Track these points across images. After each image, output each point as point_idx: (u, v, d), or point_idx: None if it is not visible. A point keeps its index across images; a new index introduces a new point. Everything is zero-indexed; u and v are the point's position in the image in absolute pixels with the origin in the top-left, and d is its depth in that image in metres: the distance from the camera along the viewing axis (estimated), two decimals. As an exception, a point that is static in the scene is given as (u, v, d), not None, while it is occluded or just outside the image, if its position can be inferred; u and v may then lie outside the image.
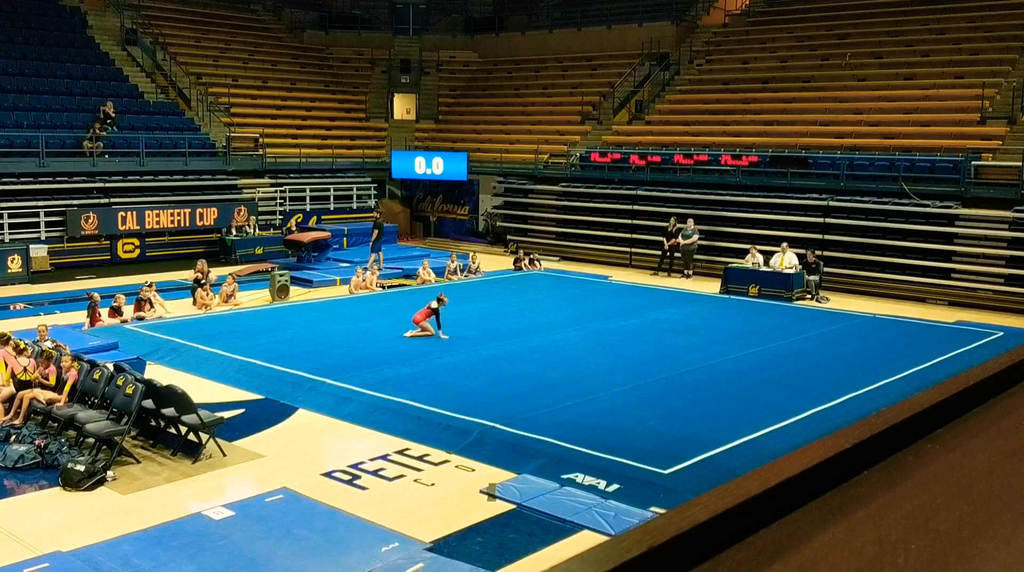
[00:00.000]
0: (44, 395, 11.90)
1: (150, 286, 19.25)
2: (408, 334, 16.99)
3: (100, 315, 17.80)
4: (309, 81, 35.70)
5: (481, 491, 9.96)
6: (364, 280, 22.68)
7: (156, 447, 11.36)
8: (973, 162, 22.04)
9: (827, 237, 23.55)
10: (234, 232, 26.92)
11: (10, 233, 23.56)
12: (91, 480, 9.90)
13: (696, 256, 25.34)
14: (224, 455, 10.92)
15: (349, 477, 10.37)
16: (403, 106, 37.62)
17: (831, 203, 23.69)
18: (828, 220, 23.68)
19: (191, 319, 18.75)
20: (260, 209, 28.47)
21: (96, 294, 18.04)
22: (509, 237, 30.76)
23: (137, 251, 25.76)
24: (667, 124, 29.98)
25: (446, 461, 10.89)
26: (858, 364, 15.44)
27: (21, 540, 8.61)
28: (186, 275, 21.83)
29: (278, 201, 29.75)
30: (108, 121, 26.55)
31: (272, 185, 29.91)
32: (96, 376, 11.87)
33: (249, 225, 27.41)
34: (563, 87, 34.51)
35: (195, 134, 28.81)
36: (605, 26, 35.32)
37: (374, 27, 39.03)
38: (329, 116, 34.85)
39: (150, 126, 27.98)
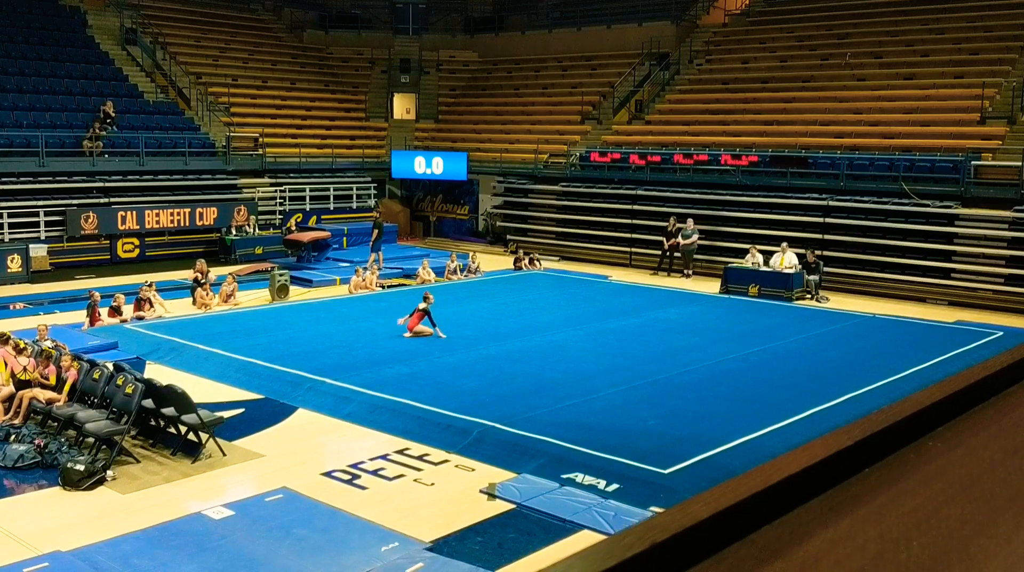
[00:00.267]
0: (44, 395, 11.90)
1: (150, 286, 19.24)
2: (407, 334, 16.99)
3: (100, 315, 17.80)
4: (309, 81, 35.71)
5: (481, 491, 9.96)
6: (364, 280, 22.67)
7: (156, 447, 11.36)
8: (973, 162, 22.04)
9: (827, 237, 23.55)
10: (234, 232, 26.91)
11: (10, 233, 23.55)
12: (91, 480, 9.90)
13: (696, 256, 25.34)
14: (224, 455, 10.92)
15: (349, 477, 10.37)
16: (403, 106, 37.63)
17: (831, 203, 23.70)
18: (828, 220, 23.68)
19: (191, 319, 18.74)
20: (260, 209, 28.47)
21: (97, 293, 18.04)
22: (509, 237, 30.75)
23: (137, 251, 25.76)
24: (667, 124, 29.98)
25: (446, 461, 10.89)
26: (858, 364, 15.44)
27: (21, 540, 8.60)
28: (186, 275, 21.83)
29: (278, 201, 29.75)
30: (108, 121, 26.55)
31: (272, 185, 29.91)
32: (96, 376, 11.87)
33: (249, 225, 27.41)
34: (563, 87, 34.51)
35: (195, 134, 28.81)
36: (605, 26, 35.32)
37: (374, 27, 39.03)
38: (329, 116, 34.85)
39: (150, 126, 27.98)
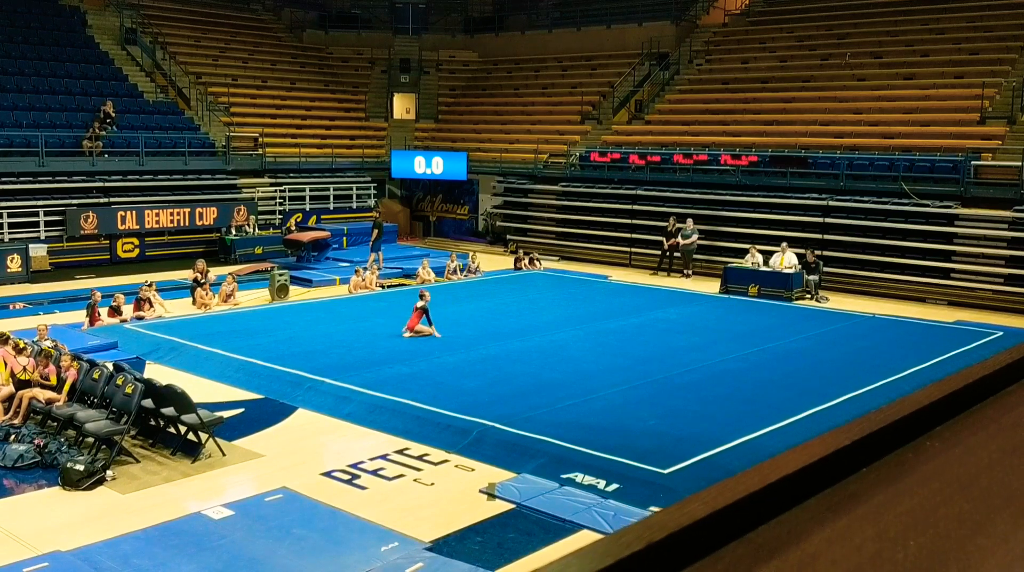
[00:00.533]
0: (43, 394, 11.89)
1: (150, 286, 19.24)
2: (407, 334, 16.99)
3: (99, 314, 17.80)
4: (309, 81, 35.71)
5: (481, 491, 9.96)
6: (364, 280, 22.67)
7: (156, 447, 11.36)
8: (973, 162, 22.04)
9: (827, 237, 23.55)
10: (234, 232, 26.91)
11: (10, 232, 23.55)
12: (90, 479, 9.90)
13: (696, 256, 25.34)
14: (224, 455, 10.92)
15: (349, 477, 10.37)
16: (403, 106, 37.63)
17: (831, 203, 23.70)
18: (828, 220, 23.68)
19: (190, 319, 18.74)
20: (260, 209, 28.46)
21: (98, 293, 18.05)
22: (509, 237, 30.75)
23: (136, 251, 25.76)
24: (667, 124, 29.98)
25: (446, 461, 10.89)
26: (858, 364, 15.44)
27: (21, 540, 8.60)
28: (185, 275, 21.82)
29: (278, 201, 29.75)
30: (108, 121, 26.55)
31: (272, 185, 29.91)
32: (95, 375, 11.87)
33: (249, 225, 27.40)
34: (563, 87, 34.51)
35: (195, 134, 28.81)
36: (605, 26, 35.32)
37: (374, 27, 39.03)
38: (329, 116, 34.85)
39: (150, 126, 27.98)
